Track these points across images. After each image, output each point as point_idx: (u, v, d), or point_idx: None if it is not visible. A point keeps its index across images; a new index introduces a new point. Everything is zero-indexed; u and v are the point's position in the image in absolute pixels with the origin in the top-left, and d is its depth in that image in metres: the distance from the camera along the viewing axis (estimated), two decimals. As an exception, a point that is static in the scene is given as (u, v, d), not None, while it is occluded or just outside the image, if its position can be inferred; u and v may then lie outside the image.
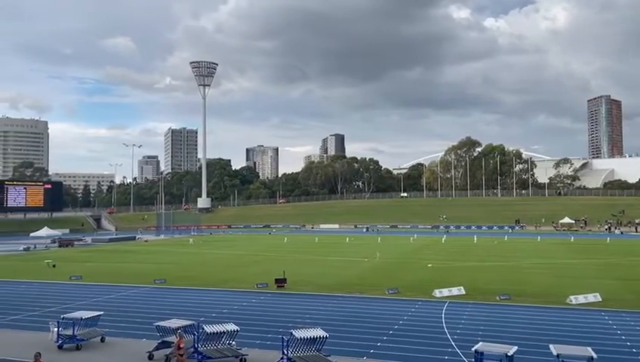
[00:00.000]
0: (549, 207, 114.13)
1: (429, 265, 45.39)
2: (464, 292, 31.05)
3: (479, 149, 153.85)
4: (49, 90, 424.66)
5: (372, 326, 23.78)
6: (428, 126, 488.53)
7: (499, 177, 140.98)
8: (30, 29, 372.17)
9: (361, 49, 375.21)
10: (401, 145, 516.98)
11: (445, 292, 30.90)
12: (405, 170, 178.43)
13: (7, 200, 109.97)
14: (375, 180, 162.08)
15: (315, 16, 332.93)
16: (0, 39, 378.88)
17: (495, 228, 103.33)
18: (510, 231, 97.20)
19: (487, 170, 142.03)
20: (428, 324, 24.12)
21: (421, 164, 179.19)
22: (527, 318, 25.39)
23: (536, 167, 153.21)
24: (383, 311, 27.08)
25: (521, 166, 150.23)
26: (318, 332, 18.20)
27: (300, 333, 18.03)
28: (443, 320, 24.77)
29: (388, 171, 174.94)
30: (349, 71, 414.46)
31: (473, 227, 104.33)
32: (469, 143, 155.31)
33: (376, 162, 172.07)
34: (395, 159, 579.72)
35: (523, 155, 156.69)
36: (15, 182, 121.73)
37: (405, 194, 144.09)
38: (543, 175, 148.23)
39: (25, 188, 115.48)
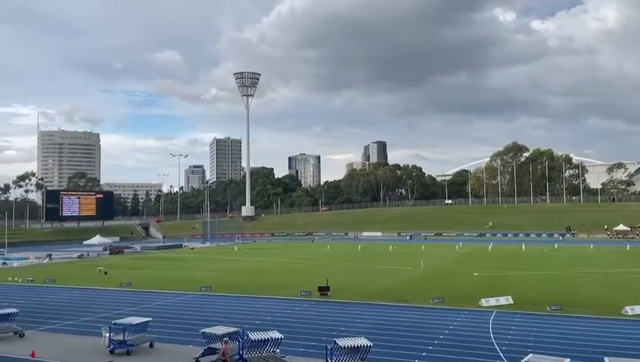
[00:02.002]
0: (602, 213, 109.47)
1: (475, 274, 44.39)
2: (512, 302, 30.18)
3: (526, 154, 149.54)
4: (102, 103, 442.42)
5: (417, 335, 23.45)
6: (472, 132, 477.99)
7: (547, 183, 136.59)
8: (85, 45, 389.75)
9: (404, 55, 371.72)
10: (444, 152, 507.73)
11: (492, 301, 30.12)
12: (449, 177, 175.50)
13: (62, 209, 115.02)
14: (418, 187, 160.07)
15: (358, 24, 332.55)
16: (58, 56, 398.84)
17: (544, 235, 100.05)
18: (561, 238, 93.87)
19: (535, 176, 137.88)
20: (475, 334, 23.54)
21: (466, 171, 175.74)
22: (579, 329, 24.43)
23: (587, 172, 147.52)
24: (428, 320, 26.66)
25: (571, 171, 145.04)
26: (362, 341, 18.08)
27: (343, 342, 17.96)
28: (490, 331, 24.14)
29: (431, 178, 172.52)
30: (392, 77, 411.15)
31: (521, 234, 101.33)
32: (516, 148, 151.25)
33: (419, 169, 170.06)
34: (439, 166, 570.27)
35: (573, 160, 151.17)
36: (69, 192, 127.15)
37: (450, 202, 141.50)
38: (595, 180, 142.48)
39: (78, 198, 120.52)
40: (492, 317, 26.87)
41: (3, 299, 34.56)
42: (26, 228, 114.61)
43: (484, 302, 30.06)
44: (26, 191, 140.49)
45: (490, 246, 74.66)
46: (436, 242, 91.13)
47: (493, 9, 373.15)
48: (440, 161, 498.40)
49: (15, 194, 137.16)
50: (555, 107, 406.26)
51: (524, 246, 73.08)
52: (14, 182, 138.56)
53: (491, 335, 23.21)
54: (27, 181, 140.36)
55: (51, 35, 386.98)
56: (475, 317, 27.18)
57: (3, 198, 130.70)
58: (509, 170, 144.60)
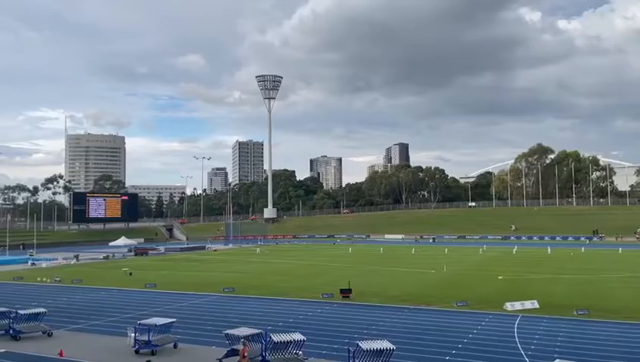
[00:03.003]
0: (631, 216, 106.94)
1: (500, 277, 43.77)
2: (538, 306, 29.67)
3: (552, 156, 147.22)
4: (127, 106, 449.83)
5: (440, 339, 23.22)
6: (496, 133, 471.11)
7: (574, 185, 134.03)
8: (111, 50, 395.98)
9: (427, 56, 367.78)
10: (468, 154, 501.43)
11: (517, 305, 29.66)
12: (473, 179, 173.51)
13: (88, 211, 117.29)
14: (441, 190, 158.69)
15: (380, 26, 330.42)
16: (85, 61, 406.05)
17: (571, 238, 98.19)
18: (587, 242, 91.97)
19: (561, 178, 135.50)
20: (499, 339, 23.21)
21: (490, 173, 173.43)
22: (607, 335, 23.87)
23: (615, 174, 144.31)
24: (452, 324, 26.37)
25: (598, 173, 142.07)
26: (385, 344, 17.96)
27: (366, 345, 17.88)
28: (516, 335, 23.77)
29: (454, 180, 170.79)
30: (415, 79, 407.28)
31: (546, 238, 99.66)
32: (541, 150, 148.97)
33: (442, 171, 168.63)
34: (462, 168, 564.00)
35: (601, 162, 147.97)
36: (96, 194, 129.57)
37: (473, 204, 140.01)
38: (623, 182, 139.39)
39: (104, 200, 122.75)
40: (517, 322, 26.46)
41: (32, 298, 35.41)
42: (54, 230, 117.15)
43: (508, 306, 29.62)
44: (54, 194, 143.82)
45: (514, 250, 73.59)
46: (459, 245, 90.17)
47: (519, 9, 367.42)
48: (463, 163, 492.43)
49: (43, 196, 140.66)
50: (582, 108, 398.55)
51: (549, 250, 71.82)
52: (43, 185, 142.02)
53: (517, 340, 22.85)
54: (55, 183, 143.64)
55: (79, 40, 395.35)
56: (500, 321, 26.81)
57: (32, 200, 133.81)
58: (534, 172, 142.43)
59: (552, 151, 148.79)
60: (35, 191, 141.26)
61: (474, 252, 72.82)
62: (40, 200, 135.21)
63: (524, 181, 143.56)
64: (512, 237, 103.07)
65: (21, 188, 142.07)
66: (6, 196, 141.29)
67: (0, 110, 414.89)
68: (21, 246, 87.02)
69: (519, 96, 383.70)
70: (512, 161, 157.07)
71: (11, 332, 23.76)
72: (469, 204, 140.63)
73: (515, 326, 25.64)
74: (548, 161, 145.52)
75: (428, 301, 32.80)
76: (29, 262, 61.34)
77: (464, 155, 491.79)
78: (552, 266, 53.64)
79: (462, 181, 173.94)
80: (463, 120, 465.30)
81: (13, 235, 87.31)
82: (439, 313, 29.44)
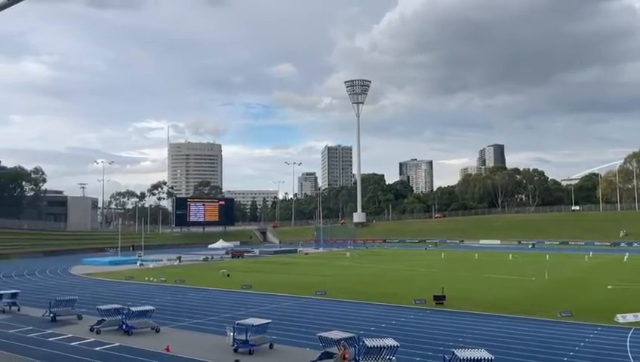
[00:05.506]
0: None
1: (609, 287, 40.56)
2: (655, 320, 27.15)
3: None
4: (224, 115, 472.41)
5: (542, 351, 21.95)
6: (601, 132, 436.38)
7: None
8: (209, 63, 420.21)
9: (525, 53, 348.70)
10: (569, 154, 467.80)
11: (630, 317, 27.36)
12: (576, 181, 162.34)
13: (189, 215, 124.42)
14: (540, 192, 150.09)
15: (473, 24, 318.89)
16: (186, 74, 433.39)
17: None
18: None
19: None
20: (609, 353, 21.51)
21: (595, 174, 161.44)
22: None
23: None
24: (555, 336, 24.83)
25: None
26: (482, 354, 17.34)
27: (462, 353, 17.37)
28: (628, 350, 21.91)
29: (555, 182, 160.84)
30: (512, 77, 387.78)
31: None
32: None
33: (542, 173, 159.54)
34: (564, 169, 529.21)
35: None
36: (195, 200, 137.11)
37: (577, 208, 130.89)
38: None
39: (203, 205, 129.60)
40: (630, 335, 24.40)
41: (141, 297, 38.29)
42: (159, 232, 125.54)
43: (620, 318, 27.39)
44: (159, 199, 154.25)
45: (625, 257, 67.72)
46: (562, 251, 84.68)
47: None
48: (565, 165, 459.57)
49: (150, 201, 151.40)
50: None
51: (667, 258, 65.37)
52: (149, 191, 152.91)
53: (629, 356, 21.07)
54: (159, 189, 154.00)
55: (180, 55, 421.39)
56: (610, 334, 24.86)
57: (140, 205, 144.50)
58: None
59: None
60: (142, 196, 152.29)
61: (579, 259, 68.01)
62: (147, 205, 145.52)
63: (635, 183, 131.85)
64: (623, 244, 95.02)
65: (130, 194, 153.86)
66: (118, 201, 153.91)
67: (113, 123, 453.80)
68: (131, 248, 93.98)
69: (628, 92, 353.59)
70: (622, 161, 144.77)
71: (124, 327, 25.81)
72: (573, 207, 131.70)
73: (628, 340, 23.65)
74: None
75: (528, 310, 31.14)
76: (138, 263, 66.15)
77: (566, 156, 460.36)
78: (670, 276, 48.77)
79: (564, 183, 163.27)
80: (563, 119, 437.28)
81: (124, 237, 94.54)
82: (541, 323, 27.84)
